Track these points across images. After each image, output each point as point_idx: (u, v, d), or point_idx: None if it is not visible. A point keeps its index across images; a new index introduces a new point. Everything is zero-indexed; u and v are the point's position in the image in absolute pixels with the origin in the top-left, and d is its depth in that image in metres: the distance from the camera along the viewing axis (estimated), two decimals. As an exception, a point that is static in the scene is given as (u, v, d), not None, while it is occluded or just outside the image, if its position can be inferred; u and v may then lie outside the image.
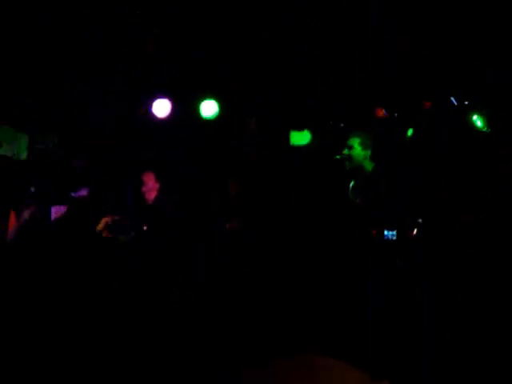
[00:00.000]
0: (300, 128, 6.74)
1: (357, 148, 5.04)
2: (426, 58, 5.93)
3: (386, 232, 4.85)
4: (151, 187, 6.18)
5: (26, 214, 6.11)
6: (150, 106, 6.78)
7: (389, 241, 4.83)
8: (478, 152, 6.21)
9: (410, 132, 6.58)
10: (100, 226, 5.89)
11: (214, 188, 6.86)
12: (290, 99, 6.65)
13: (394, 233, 4.84)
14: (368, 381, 4.59)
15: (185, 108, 6.89)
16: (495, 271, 5.39)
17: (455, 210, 6.02)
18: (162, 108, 6.80)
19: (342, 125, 6.58)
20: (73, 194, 6.74)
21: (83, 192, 6.85)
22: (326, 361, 4.88)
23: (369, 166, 5.05)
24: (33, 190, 6.60)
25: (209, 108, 6.87)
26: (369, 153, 5.05)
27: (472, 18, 5.55)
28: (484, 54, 5.81)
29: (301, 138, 6.79)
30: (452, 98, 6.24)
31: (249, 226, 6.30)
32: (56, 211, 6.59)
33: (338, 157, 5.24)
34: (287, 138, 6.75)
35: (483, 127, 6.23)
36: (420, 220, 5.40)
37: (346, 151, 5.08)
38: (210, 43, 6.25)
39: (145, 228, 5.97)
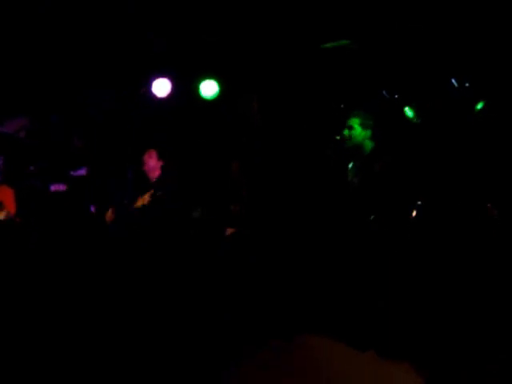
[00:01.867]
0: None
1: (357, 128, 5.01)
2: (428, 39, 5.91)
3: None
4: (153, 166, 6.13)
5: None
6: (150, 85, 6.77)
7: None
8: (478, 133, 6.21)
9: (409, 112, 6.57)
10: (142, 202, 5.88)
11: (217, 168, 6.84)
12: (291, 79, 6.63)
13: None
14: (357, 355, 4.63)
15: (185, 87, 6.87)
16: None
17: (453, 191, 6.03)
18: (161, 87, 6.80)
19: (342, 105, 6.56)
20: (72, 173, 6.73)
21: (82, 171, 6.85)
22: (318, 340, 4.91)
23: (368, 145, 5.03)
24: (32, 168, 6.60)
25: (209, 88, 6.86)
26: (369, 133, 5.02)
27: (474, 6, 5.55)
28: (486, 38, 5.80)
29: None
30: (452, 80, 6.23)
31: (252, 209, 6.28)
32: (55, 190, 6.59)
33: (338, 137, 5.22)
34: (291, 119, 6.73)
35: (482, 110, 6.22)
36: (419, 202, 5.40)
37: (346, 132, 5.05)
38: (209, 22, 6.22)
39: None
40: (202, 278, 5.67)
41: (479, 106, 6.28)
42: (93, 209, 6.41)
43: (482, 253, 5.49)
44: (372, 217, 4.77)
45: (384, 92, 6.42)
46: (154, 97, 6.81)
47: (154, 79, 6.75)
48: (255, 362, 4.72)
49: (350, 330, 4.88)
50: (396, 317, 4.72)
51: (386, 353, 4.58)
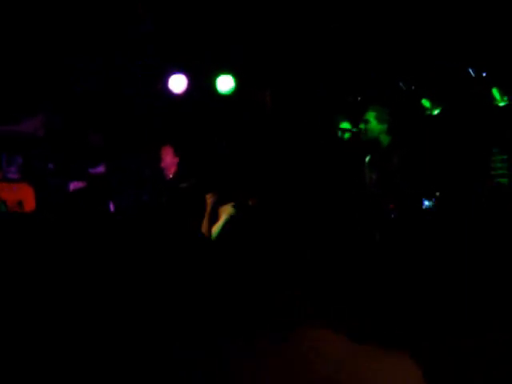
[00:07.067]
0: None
1: (372, 122, 4.99)
2: (442, 31, 5.86)
3: (425, 202, 4.90)
4: (169, 162, 6.14)
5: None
6: (167, 81, 6.78)
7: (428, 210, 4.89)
8: (496, 123, 6.16)
9: (426, 104, 6.54)
10: None
11: (235, 163, 6.83)
12: (306, 73, 6.60)
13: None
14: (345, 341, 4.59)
15: (201, 83, 6.87)
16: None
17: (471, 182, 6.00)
18: (178, 83, 6.81)
19: (359, 98, 6.53)
20: (90, 171, 6.77)
21: (101, 168, 6.89)
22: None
23: (385, 139, 4.99)
24: (51, 166, 6.65)
25: (225, 83, 6.85)
26: (385, 127, 4.99)
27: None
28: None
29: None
30: (470, 70, 6.17)
31: (266, 203, 6.27)
32: (74, 187, 6.64)
33: (355, 130, 5.21)
34: (303, 112, 6.71)
35: (501, 99, 6.16)
36: (438, 193, 5.36)
37: (362, 125, 5.04)
38: (224, 18, 6.20)
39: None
40: (202, 276, 5.67)
41: (498, 95, 6.22)
42: (111, 206, 6.45)
43: (494, 247, 5.44)
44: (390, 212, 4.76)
45: (401, 84, 6.38)
46: (170, 93, 6.82)
47: (170, 75, 6.76)
48: (255, 360, 4.69)
49: (352, 325, 4.85)
50: (400, 310, 4.70)
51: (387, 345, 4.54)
